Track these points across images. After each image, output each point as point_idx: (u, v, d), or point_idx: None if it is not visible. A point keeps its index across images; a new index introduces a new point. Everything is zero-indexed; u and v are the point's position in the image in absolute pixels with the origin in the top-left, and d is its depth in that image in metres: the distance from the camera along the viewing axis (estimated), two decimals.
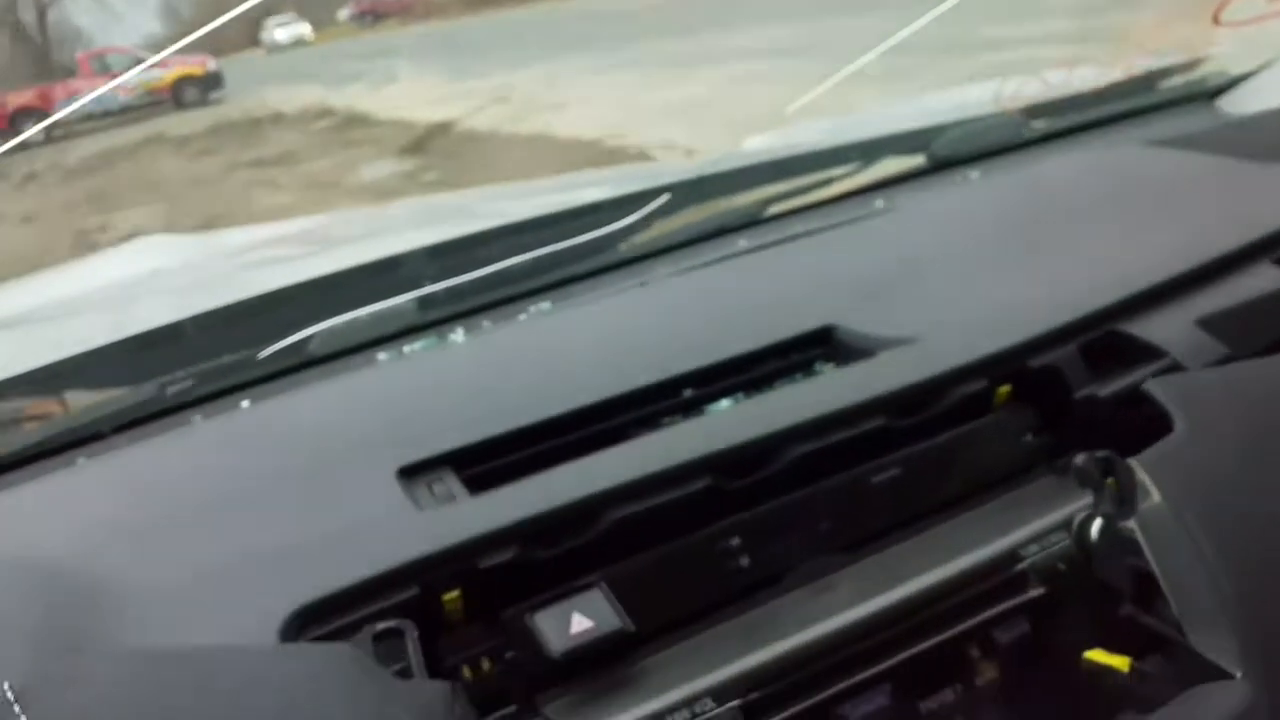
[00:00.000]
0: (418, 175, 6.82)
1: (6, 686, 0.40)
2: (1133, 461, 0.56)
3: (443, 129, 8.14)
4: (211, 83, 12.55)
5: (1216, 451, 0.57)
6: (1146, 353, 0.78)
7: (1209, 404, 0.61)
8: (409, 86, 11.22)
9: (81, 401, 1.08)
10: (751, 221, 1.21)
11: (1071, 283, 0.86)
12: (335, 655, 0.45)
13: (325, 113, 10.46)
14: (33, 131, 1.59)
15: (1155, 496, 0.54)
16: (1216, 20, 1.10)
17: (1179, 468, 0.55)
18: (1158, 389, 0.62)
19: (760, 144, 1.85)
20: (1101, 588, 0.60)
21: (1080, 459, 0.57)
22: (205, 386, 0.99)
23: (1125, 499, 0.55)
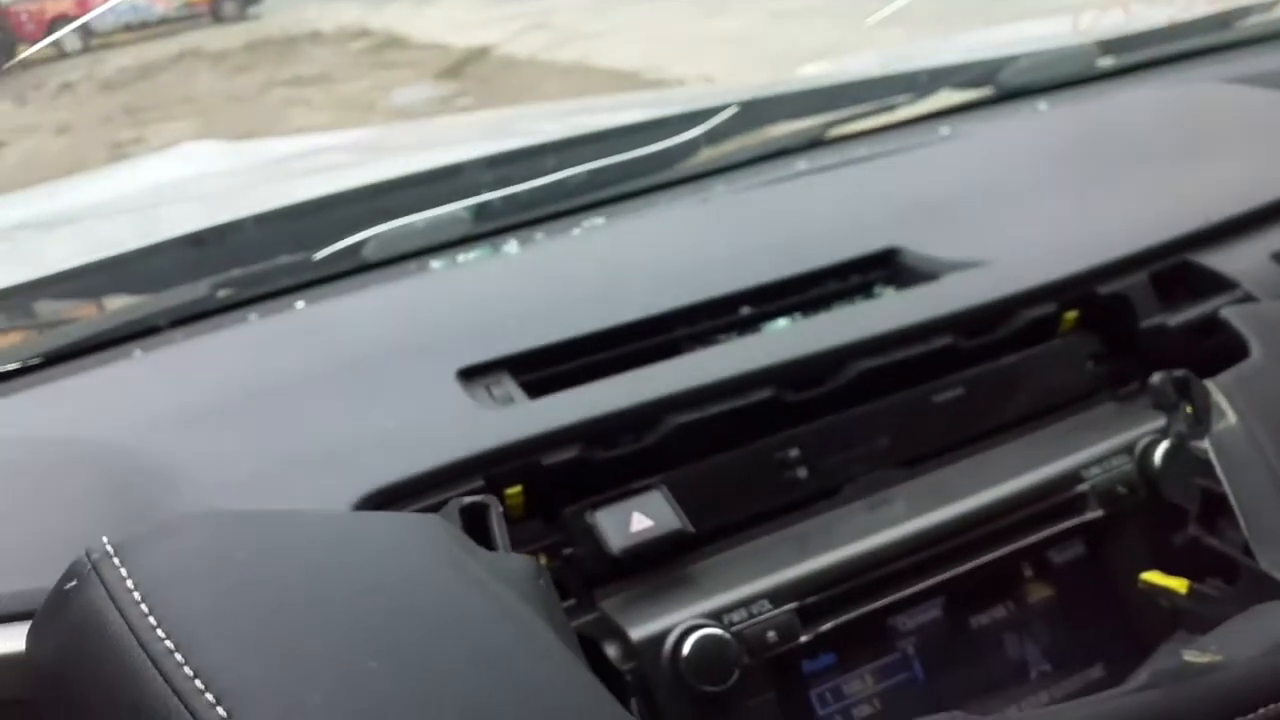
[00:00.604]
0: (453, 100, 6.76)
1: (105, 541, 0.41)
2: (1209, 383, 0.56)
3: (480, 54, 8.04)
4: None
5: None
6: (1218, 284, 0.77)
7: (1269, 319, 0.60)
8: (448, 9, 11.07)
9: (134, 299, 1.08)
10: (813, 144, 1.20)
11: (1143, 213, 0.85)
12: (427, 521, 0.45)
13: (363, 33, 10.36)
14: (64, 32, 1.58)
15: (1231, 418, 0.54)
16: None
17: (1256, 391, 0.55)
18: (1234, 316, 0.61)
19: (815, 71, 1.82)
20: (1163, 511, 0.60)
21: (1156, 378, 0.57)
22: (260, 287, 0.99)
23: (1200, 419, 0.55)
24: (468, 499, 0.50)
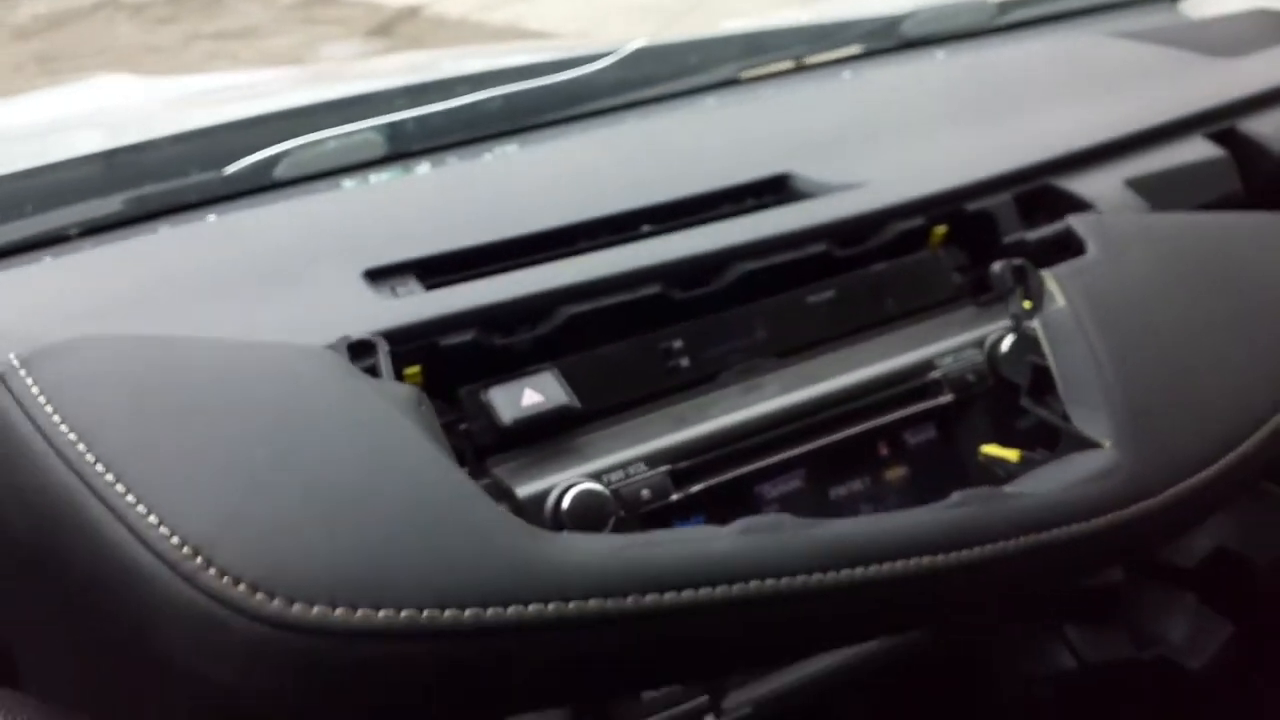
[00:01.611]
0: (382, 56, 6.67)
1: (12, 355, 0.43)
2: (1044, 271, 0.62)
3: (411, 12, 7.94)
4: None
5: (1119, 273, 0.62)
6: (1076, 205, 0.83)
7: (1121, 237, 0.66)
8: None
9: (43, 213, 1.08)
10: (724, 84, 1.24)
11: (1015, 144, 0.91)
12: (316, 349, 0.49)
13: None
14: None
15: (1060, 301, 0.60)
16: None
17: (1084, 281, 0.61)
18: (1077, 222, 0.68)
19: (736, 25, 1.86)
20: (1004, 394, 0.66)
21: (997, 265, 0.63)
22: (170, 200, 1.00)
23: (1034, 302, 0.61)
24: (354, 338, 0.53)
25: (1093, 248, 0.64)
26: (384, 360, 0.53)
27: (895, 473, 0.71)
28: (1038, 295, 0.61)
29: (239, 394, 0.43)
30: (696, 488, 0.66)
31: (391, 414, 0.44)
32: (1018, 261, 0.62)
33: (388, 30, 8.07)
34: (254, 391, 0.43)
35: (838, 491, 0.70)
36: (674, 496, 0.65)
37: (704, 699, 0.66)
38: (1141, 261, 0.64)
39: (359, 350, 0.54)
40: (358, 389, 0.46)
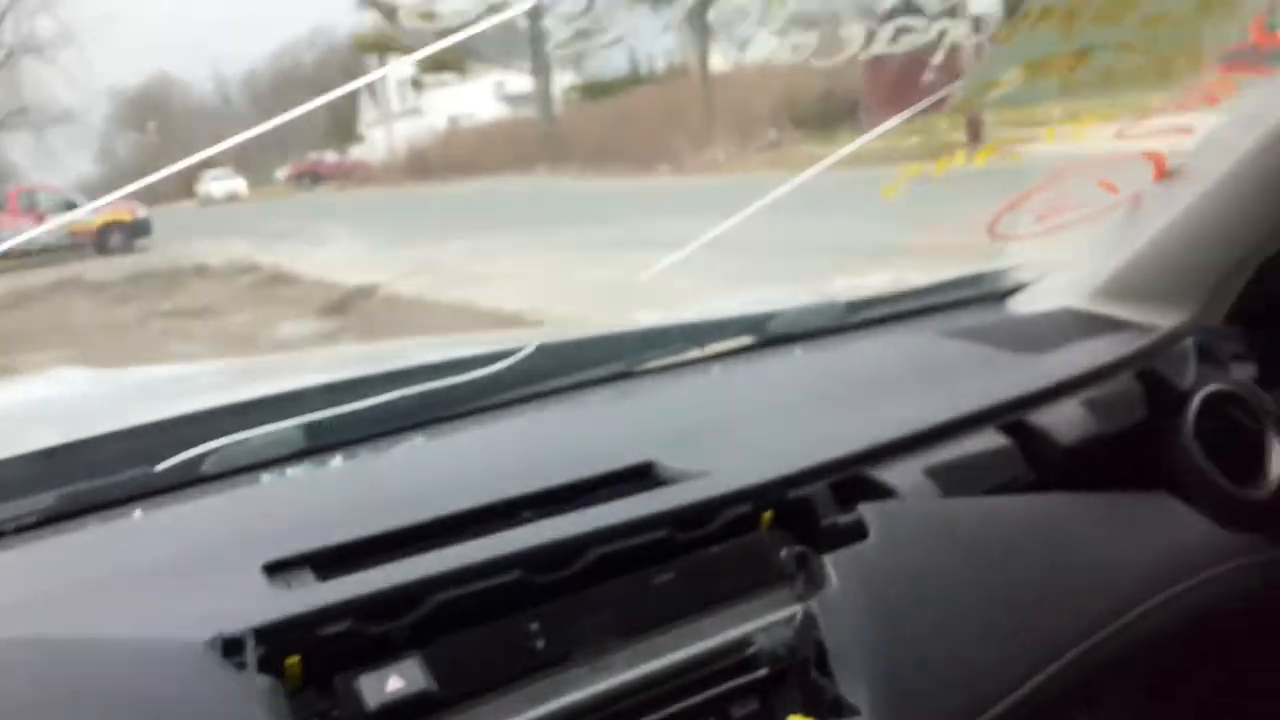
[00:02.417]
0: (335, 335, 6.96)
1: None
2: (825, 556, 0.74)
3: (366, 292, 8.34)
4: (139, 230, 12.54)
5: (894, 556, 0.75)
6: (881, 491, 0.97)
7: (903, 522, 0.80)
8: (338, 249, 11.49)
9: None
10: (608, 378, 1.41)
11: (839, 436, 1.07)
12: (189, 648, 0.58)
13: (251, 268, 10.61)
14: None
15: (834, 583, 0.71)
16: (992, 233, 1.36)
17: (858, 565, 0.73)
18: (867, 509, 0.81)
19: (645, 319, 2.08)
20: (808, 666, 0.76)
21: (783, 552, 0.75)
22: (101, 496, 1.11)
23: (813, 584, 0.73)
24: (227, 634, 0.63)
25: (874, 533, 0.77)
26: (250, 655, 0.62)
27: None
28: (818, 578, 0.73)
29: (114, 691, 0.52)
30: None
31: (246, 709, 0.53)
32: (799, 548, 0.75)
33: (342, 309, 8.40)
34: (127, 689, 0.52)
35: None
36: None
37: None
38: (918, 544, 0.77)
39: (230, 647, 0.63)
40: (218, 685, 0.55)
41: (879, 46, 1.00)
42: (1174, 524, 1.15)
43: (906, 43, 1.00)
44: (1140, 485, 1.15)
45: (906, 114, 1.06)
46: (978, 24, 1.05)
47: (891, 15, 0.99)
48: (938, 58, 1.17)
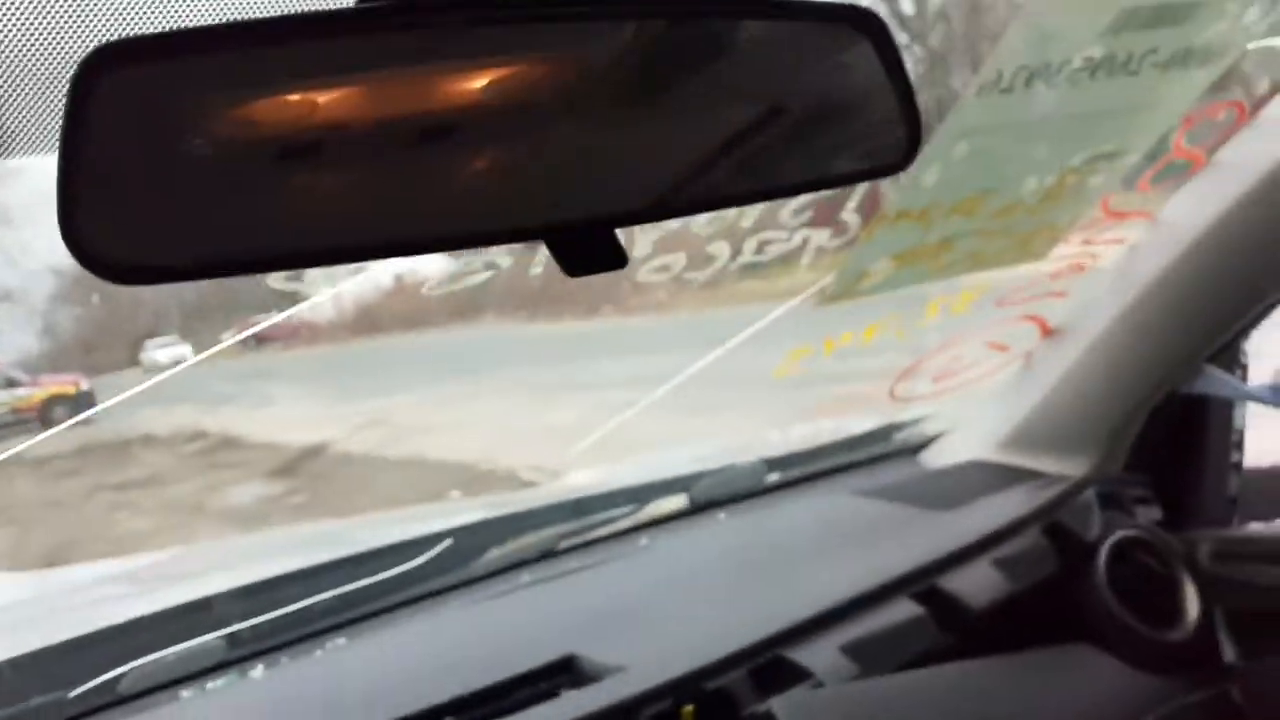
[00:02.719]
0: (285, 499, 6.85)
1: None
2: None
3: (315, 451, 8.26)
4: (83, 402, 12.36)
5: None
6: (799, 674, 0.98)
7: (815, 714, 0.80)
8: (286, 409, 11.41)
9: None
10: (536, 559, 1.41)
11: (759, 615, 1.07)
12: None
13: (198, 435, 10.48)
14: None
15: None
16: (893, 396, 1.41)
17: None
18: (778, 704, 0.82)
19: (584, 478, 2.09)
20: None
21: None
22: None
23: None
24: None
25: None
26: None
27: None
28: None
29: None
30: None
31: None
32: None
33: (291, 470, 8.29)
34: None
35: None
36: None
37: None
38: None
39: None
40: None
41: (745, 258, 1.06)
42: (1097, 675, 1.16)
43: (773, 252, 1.06)
44: (1058, 638, 1.17)
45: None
46: (840, 228, 1.12)
47: (754, 230, 1.05)
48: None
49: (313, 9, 0.46)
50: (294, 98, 0.46)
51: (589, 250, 0.55)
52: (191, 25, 0.43)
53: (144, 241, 0.44)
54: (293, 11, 0.45)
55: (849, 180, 0.72)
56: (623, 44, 0.55)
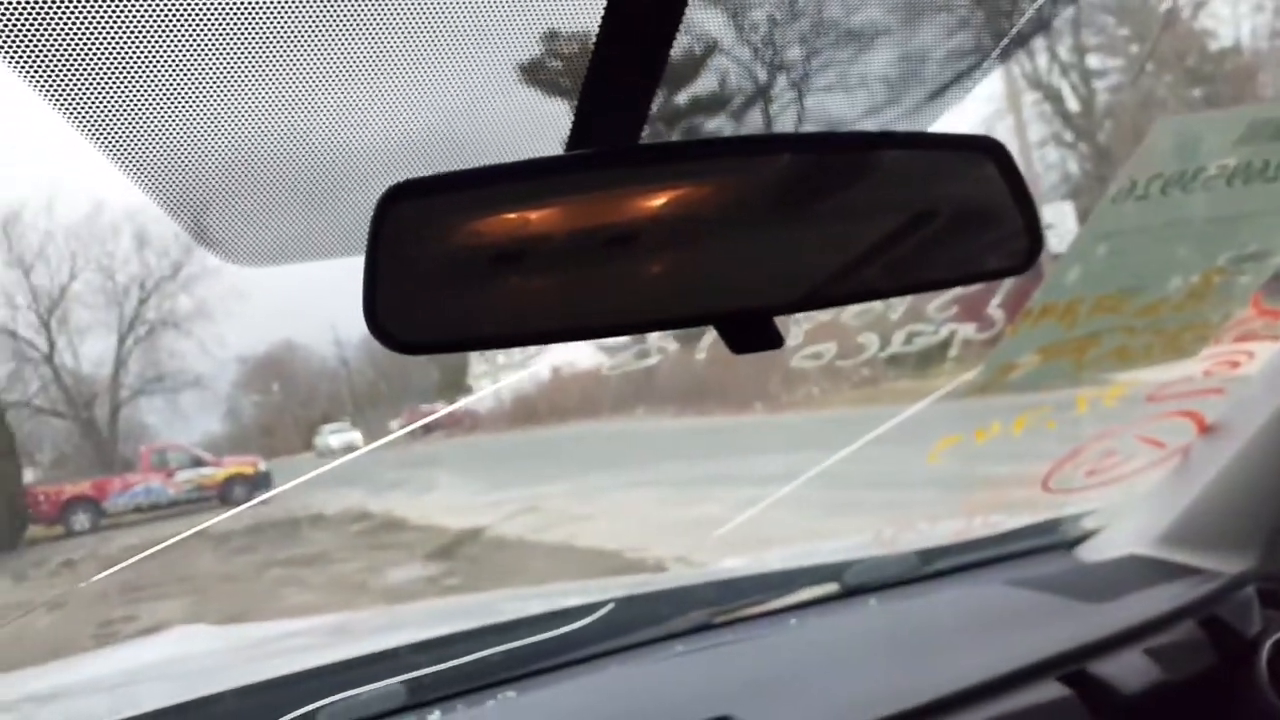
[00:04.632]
0: (440, 579, 7.12)
1: None
2: None
3: (472, 535, 8.56)
4: (260, 482, 13.18)
5: None
6: None
7: None
8: (446, 495, 11.87)
9: None
10: (691, 630, 1.48)
11: (906, 689, 1.12)
12: None
13: (363, 516, 11.01)
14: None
15: None
16: (1045, 487, 1.43)
17: None
18: None
19: (734, 564, 2.16)
20: None
21: None
22: None
23: None
24: None
25: None
26: None
27: None
28: None
29: None
30: None
31: None
32: None
33: (448, 553, 8.58)
34: None
35: None
36: None
37: None
38: None
39: None
40: None
41: (894, 348, 1.13)
42: None
43: (920, 343, 1.13)
44: None
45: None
46: (986, 322, 1.18)
47: (900, 324, 1.13)
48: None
49: (534, 156, 0.61)
50: (516, 218, 0.61)
51: (750, 333, 0.66)
52: (446, 171, 0.59)
53: (420, 323, 0.59)
54: (520, 159, 0.60)
55: (976, 279, 0.81)
56: (779, 168, 0.67)
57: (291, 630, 2.10)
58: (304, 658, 1.58)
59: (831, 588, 1.58)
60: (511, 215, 0.61)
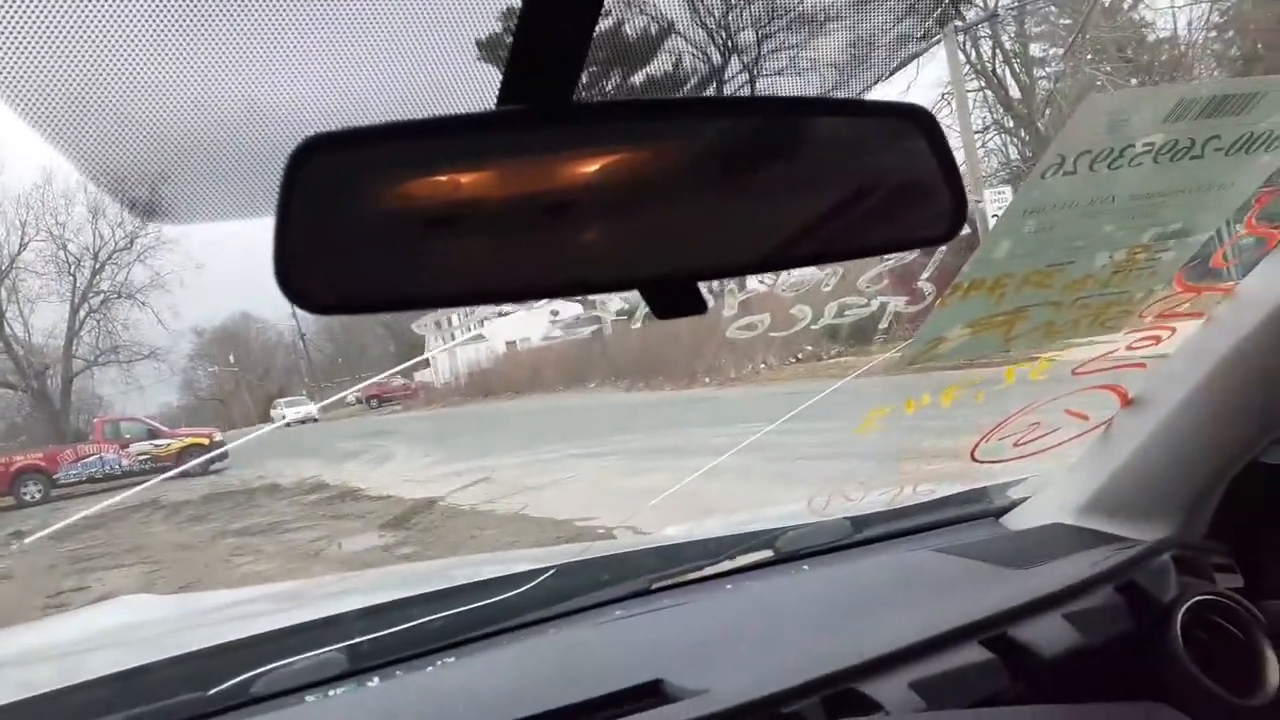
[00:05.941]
0: (395, 548, 7.12)
1: None
2: None
3: (426, 505, 8.58)
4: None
5: None
6: (869, 705, 1.04)
7: None
8: (402, 465, 11.86)
9: None
10: (629, 595, 1.51)
11: (835, 652, 1.15)
12: None
13: (319, 486, 10.98)
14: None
15: None
16: (973, 457, 1.47)
17: None
18: None
19: (674, 531, 2.19)
20: None
21: None
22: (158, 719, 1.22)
23: None
24: None
25: None
26: None
27: None
28: None
29: None
30: None
31: None
32: None
33: (403, 522, 8.58)
34: None
35: None
36: None
37: None
38: None
39: None
40: None
41: (827, 319, 1.15)
42: None
43: (851, 315, 1.15)
44: (1130, 697, 1.20)
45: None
46: (916, 296, 1.20)
47: (833, 296, 1.14)
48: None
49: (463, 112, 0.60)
50: (443, 179, 0.60)
51: (674, 298, 0.67)
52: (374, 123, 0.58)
53: (335, 283, 0.58)
54: (447, 113, 0.59)
55: (902, 246, 0.82)
56: (707, 136, 0.67)
57: (243, 598, 2.10)
58: (254, 624, 1.59)
59: (766, 554, 1.61)
60: (436, 170, 0.60)
